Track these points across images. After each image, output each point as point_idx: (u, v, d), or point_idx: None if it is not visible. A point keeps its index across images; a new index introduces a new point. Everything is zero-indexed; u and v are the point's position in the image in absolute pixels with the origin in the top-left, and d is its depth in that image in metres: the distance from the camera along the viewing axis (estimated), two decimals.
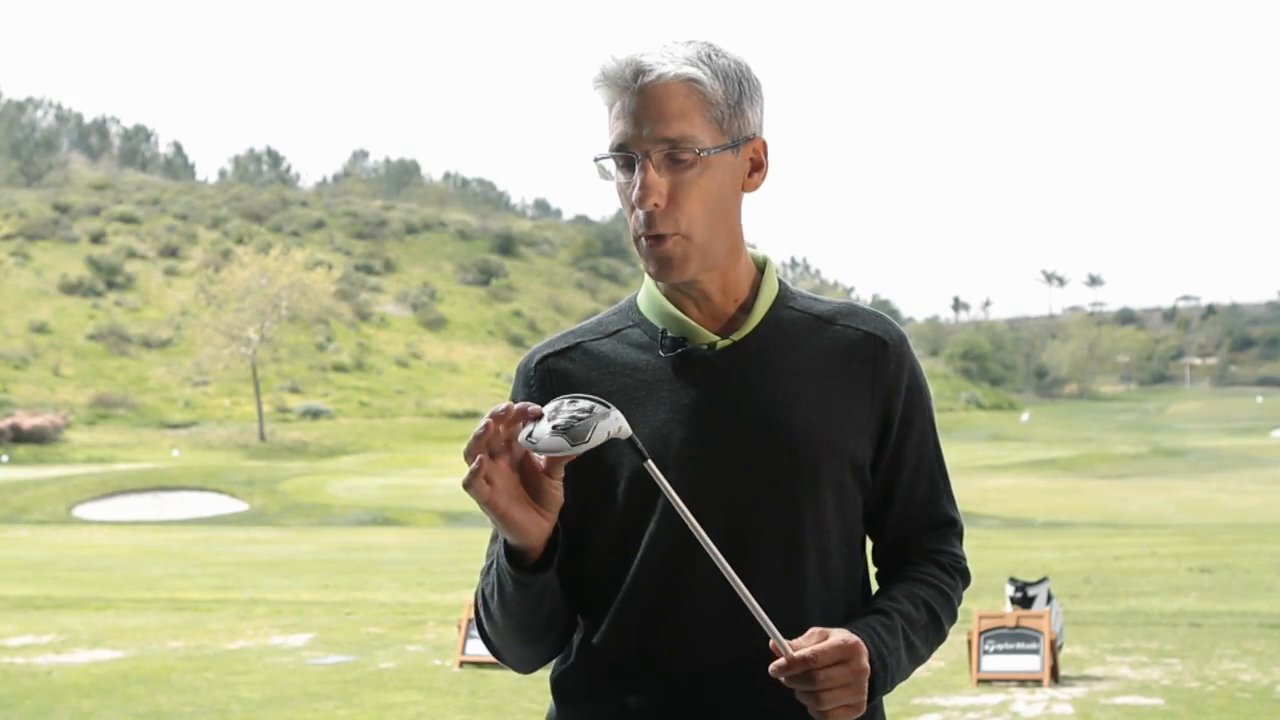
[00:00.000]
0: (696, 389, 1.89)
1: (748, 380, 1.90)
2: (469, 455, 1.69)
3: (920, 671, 10.10)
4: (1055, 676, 9.10)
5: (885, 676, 1.82)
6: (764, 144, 1.91)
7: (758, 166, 1.91)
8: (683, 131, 1.81)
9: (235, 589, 17.09)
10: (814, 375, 1.91)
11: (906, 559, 1.99)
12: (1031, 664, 9.03)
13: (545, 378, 1.94)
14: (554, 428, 1.69)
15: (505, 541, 1.79)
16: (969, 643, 9.21)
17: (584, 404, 1.70)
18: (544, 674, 2.00)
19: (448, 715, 8.40)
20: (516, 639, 1.90)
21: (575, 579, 1.92)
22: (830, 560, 1.90)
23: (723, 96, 1.84)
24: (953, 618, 1.99)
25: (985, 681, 9.05)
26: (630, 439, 1.73)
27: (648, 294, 1.96)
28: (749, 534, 1.85)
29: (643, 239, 1.85)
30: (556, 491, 1.75)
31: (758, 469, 1.86)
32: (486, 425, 1.68)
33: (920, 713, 8.21)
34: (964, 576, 2.01)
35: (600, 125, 1.89)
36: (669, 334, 1.91)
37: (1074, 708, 8.32)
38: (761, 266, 1.98)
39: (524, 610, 1.84)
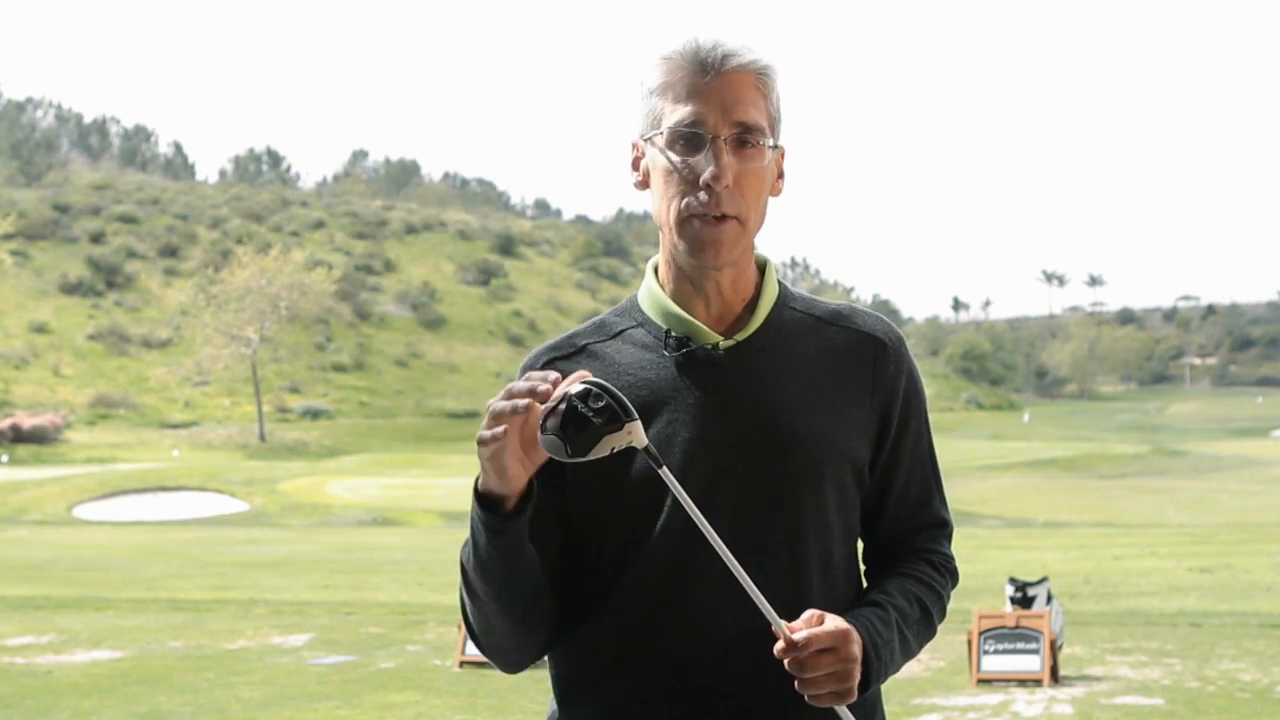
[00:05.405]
0: (701, 389, 1.90)
1: (752, 381, 1.91)
2: (499, 416, 1.71)
3: (921, 671, 10.08)
4: (1055, 676, 9.10)
5: (879, 667, 1.84)
6: (783, 153, 1.96)
7: (780, 173, 1.96)
8: (756, 119, 1.87)
9: (235, 589, 17.09)
10: (816, 376, 1.93)
11: (898, 558, 2.02)
12: (1031, 664, 9.03)
13: None
14: (562, 428, 1.70)
15: (479, 494, 1.80)
16: (969, 643, 9.20)
17: (602, 406, 1.70)
18: (545, 674, 2.00)
19: (448, 715, 8.40)
20: (496, 610, 1.87)
21: (577, 572, 1.93)
22: (832, 559, 1.93)
23: (776, 97, 1.91)
24: (942, 615, 2.02)
25: (985, 681, 9.05)
26: (646, 448, 1.74)
27: (650, 294, 1.97)
28: (753, 533, 1.87)
29: (695, 219, 1.86)
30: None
31: (763, 469, 1.88)
32: (525, 396, 1.70)
33: (920, 713, 8.21)
34: (954, 576, 2.04)
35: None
36: (673, 334, 1.92)
37: (1074, 708, 8.32)
38: (762, 268, 2.00)
39: (499, 568, 1.82)
